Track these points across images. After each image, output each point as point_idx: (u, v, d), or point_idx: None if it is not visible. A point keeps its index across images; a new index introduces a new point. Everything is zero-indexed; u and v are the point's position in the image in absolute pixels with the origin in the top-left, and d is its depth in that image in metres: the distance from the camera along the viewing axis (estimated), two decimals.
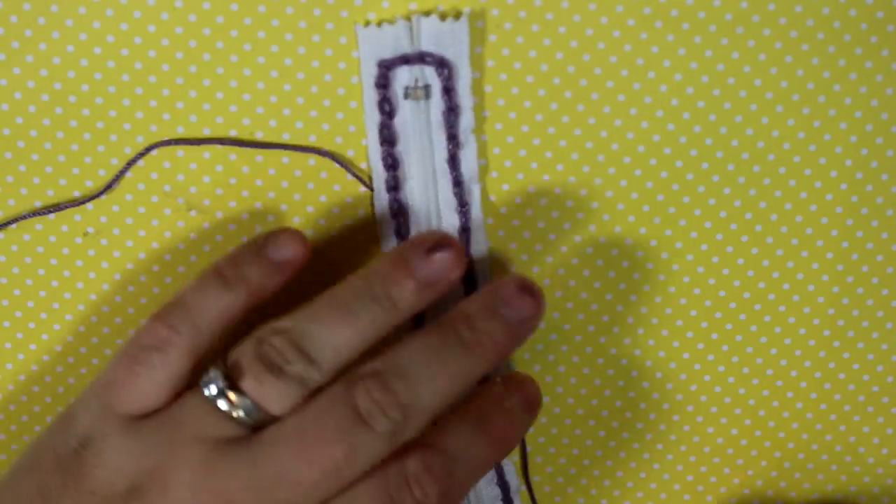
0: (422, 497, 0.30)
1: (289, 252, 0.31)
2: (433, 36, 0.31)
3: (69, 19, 0.31)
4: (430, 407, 0.30)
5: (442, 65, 0.31)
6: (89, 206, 0.33)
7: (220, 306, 0.30)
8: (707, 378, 0.36)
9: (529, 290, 0.31)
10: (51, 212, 0.33)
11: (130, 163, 0.32)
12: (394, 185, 0.33)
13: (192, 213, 0.34)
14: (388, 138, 0.32)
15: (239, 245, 0.32)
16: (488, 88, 0.32)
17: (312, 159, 0.33)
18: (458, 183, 0.32)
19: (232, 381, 0.29)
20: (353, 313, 0.30)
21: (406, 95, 0.31)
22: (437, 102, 0.32)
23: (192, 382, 0.30)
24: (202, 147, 0.33)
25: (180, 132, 0.33)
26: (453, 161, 0.32)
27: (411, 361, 0.30)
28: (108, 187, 0.33)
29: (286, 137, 0.33)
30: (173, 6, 0.31)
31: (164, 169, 0.33)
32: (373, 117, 0.32)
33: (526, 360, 0.36)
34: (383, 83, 0.31)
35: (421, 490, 0.30)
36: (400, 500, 0.29)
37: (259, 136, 0.33)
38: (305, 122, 0.32)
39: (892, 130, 0.33)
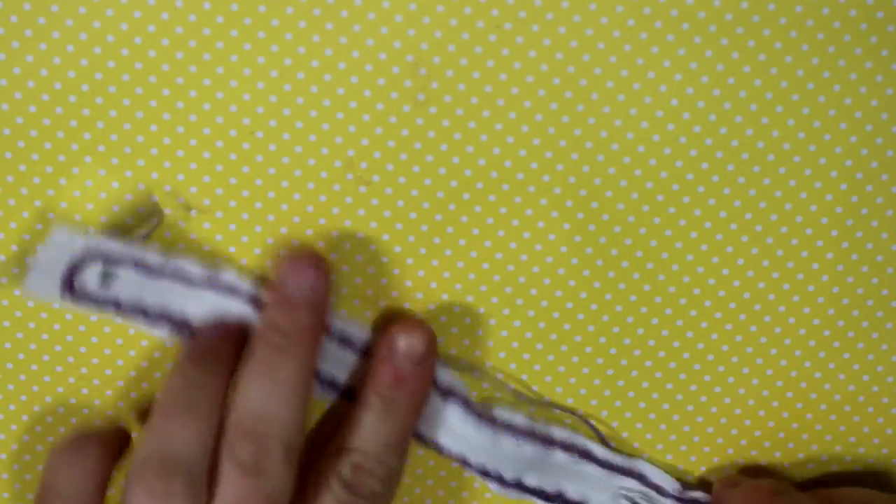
0: (367, 491, 0.32)
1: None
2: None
3: (69, 19, 0.31)
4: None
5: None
6: (89, 205, 0.33)
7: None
8: (707, 378, 0.36)
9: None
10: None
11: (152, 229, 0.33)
12: None
13: (193, 212, 0.34)
14: None
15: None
16: (488, 88, 0.32)
17: (312, 159, 0.33)
18: None
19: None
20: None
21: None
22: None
23: None
24: (202, 147, 0.33)
25: (180, 132, 0.33)
26: None
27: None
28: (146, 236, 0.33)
29: (286, 137, 0.33)
30: (173, 6, 0.31)
31: (165, 168, 0.33)
32: None
33: (525, 360, 0.36)
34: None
35: (364, 486, 0.32)
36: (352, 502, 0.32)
37: (259, 136, 0.33)
38: (305, 123, 0.32)
39: (893, 130, 0.33)
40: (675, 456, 0.37)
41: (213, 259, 0.34)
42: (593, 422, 0.36)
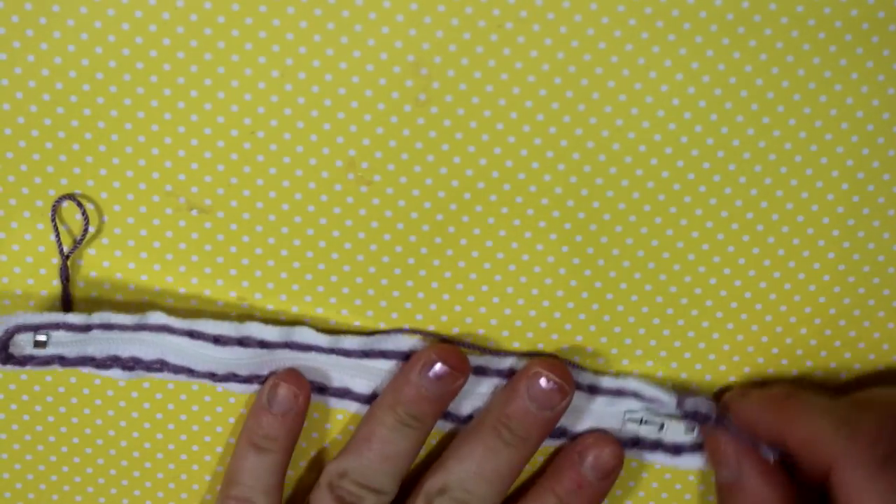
0: None
1: (288, 404, 0.34)
2: None
3: (70, 19, 0.31)
4: None
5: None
6: (90, 205, 0.33)
7: (266, 468, 0.35)
8: (708, 378, 0.36)
9: (558, 384, 0.34)
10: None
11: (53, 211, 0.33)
12: None
13: (194, 212, 0.34)
14: None
15: (252, 408, 0.35)
16: (489, 88, 0.32)
17: (314, 158, 0.33)
18: None
19: None
20: (391, 442, 0.34)
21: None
22: None
23: None
24: (204, 147, 0.33)
25: (181, 132, 0.33)
26: None
27: (468, 473, 0.34)
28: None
29: (287, 137, 0.33)
30: (174, 6, 0.31)
31: (166, 168, 0.33)
32: None
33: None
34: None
35: None
36: None
37: (260, 135, 0.33)
38: (307, 122, 0.32)
39: (894, 130, 0.33)
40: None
41: (213, 259, 0.34)
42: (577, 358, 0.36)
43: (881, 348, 0.36)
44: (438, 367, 0.34)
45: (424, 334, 0.35)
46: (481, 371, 0.35)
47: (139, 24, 0.31)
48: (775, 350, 0.36)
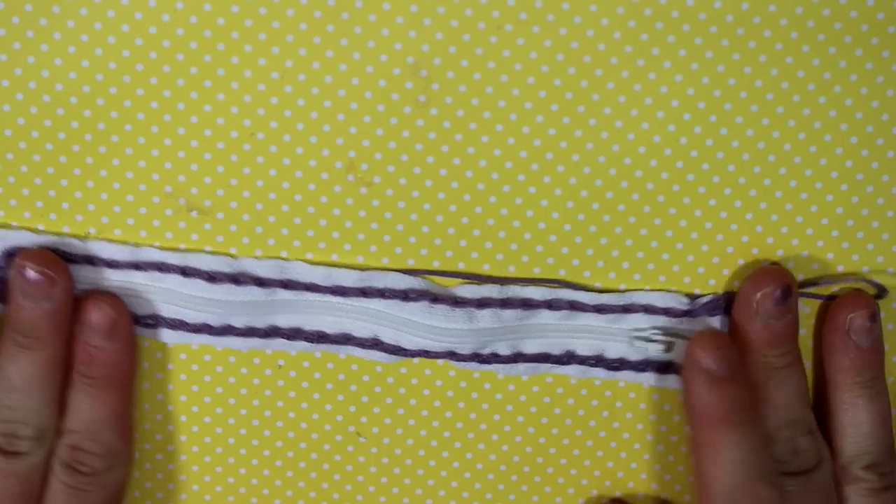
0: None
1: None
2: None
3: (71, 20, 0.31)
4: None
5: None
6: (91, 206, 0.33)
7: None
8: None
9: (43, 273, 0.33)
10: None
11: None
12: None
13: (194, 213, 0.34)
14: None
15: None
16: (489, 90, 0.32)
17: (313, 160, 0.33)
18: None
19: None
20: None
21: None
22: None
23: None
24: (203, 148, 0.33)
25: (181, 133, 0.33)
26: None
27: (3, 389, 0.33)
28: None
29: (287, 139, 0.33)
30: (174, 8, 0.31)
31: (166, 170, 0.33)
32: None
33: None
34: None
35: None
36: None
37: (260, 137, 0.33)
38: (306, 124, 0.32)
39: (893, 131, 0.33)
40: (685, 467, 0.37)
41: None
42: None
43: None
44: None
45: (425, 273, 0.34)
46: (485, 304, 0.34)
47: (139, 26, 0.31)
48: None
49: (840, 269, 0.35)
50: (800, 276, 0.34)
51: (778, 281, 0.33)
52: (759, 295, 0.33)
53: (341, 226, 0.34)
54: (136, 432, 0.36)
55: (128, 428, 0.34)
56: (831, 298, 0.35)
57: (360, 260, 0.34)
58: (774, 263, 0.34)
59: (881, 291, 0.35)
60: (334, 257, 0.34)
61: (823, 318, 0.35)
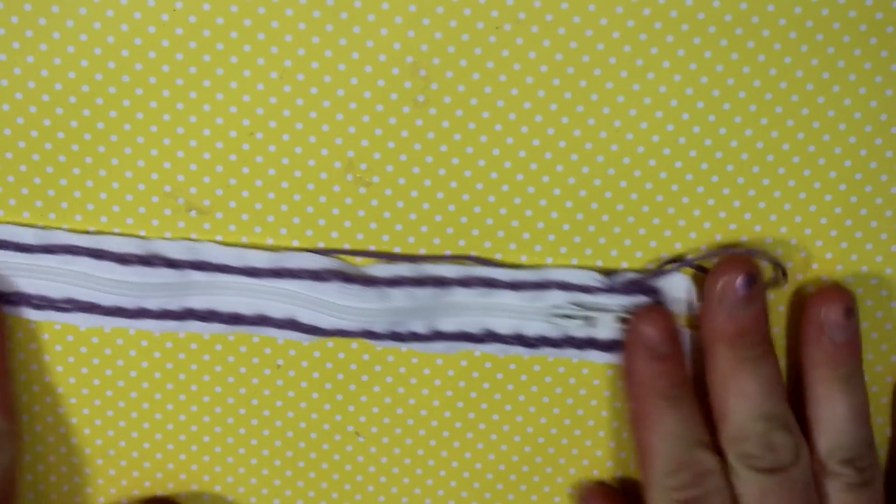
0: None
1: None
2: None
3: (70, 20, 0.31)
4: None
5: None
6: (90, 205, 0.34)
7: None
8: None
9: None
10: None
11: None
12: None
13: (193, 213, 0.34)
14: None
15: None
16: (488, 90, 0.32)
17: (312, 160, 0.33)
18: None
19: None
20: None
21: None
22: None
23: None
24: (202, 148, 0.33)
25: (180, 133, 0.33)
26: None
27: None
28: None
29: (286, 139, 0.33)
30: (173, 8, 0.31)
31: (165, 169, 0.33)
32: None
33: (536, 371, 0.36)
34: None
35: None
36: None
37: (259, 137, 0.33)
38: (305, 124, 0.32)
39: (892, 131, 0.33)
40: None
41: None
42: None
43: (880, 350, 0.36)
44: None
45: (338, 252, 0.34)
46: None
47: (138, 26, 0.31)
48: None
49: (839, 268, 0.35)
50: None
51: (741, 269, 0.33)
52: (721, 283, 0.33)
53: (340, 225, 0.34)
54: (21, 413, 0.35)
55: (8, 406, 0.34)
56: (703, 270, 0.34)
57: (358, 261, 0.34)
58: (743, 251, 0.34)
59: (780, 271, 0.34)
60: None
61: (799, 312, 0.35)
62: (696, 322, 0.35)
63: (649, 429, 0.33)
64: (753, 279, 0.33)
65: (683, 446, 0.33)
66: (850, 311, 0.33)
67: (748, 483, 0.32)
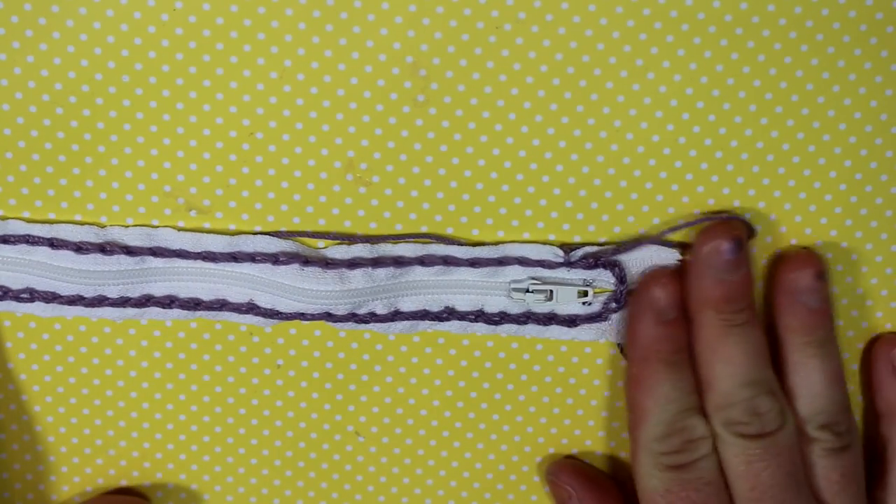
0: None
1: None
2: None
3: (70, 20, 0.31)
4: None
5: None
6: (90, 205, 0.34)
7: None
8: None
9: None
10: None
11: None
12: None
13: (193, 213, 0.34)
14: None
15: None
16: (488, 89, 0.32)
17: (312, 159, 0.33)
18: None
19: None
20: None
21: None
22: None
23: None
24: (202, 148, 0.33)
25: (180, 133, 0.33)
26: None
27: None
28: None
29: (286, 139, 0.33)
30: (173, 7, 0.31)
31: (165, 169, 0.33)
32: None
33: (536, 371, 0.36)
34: None
35: None
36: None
37: (259, 136, 0.33)
38: (305, 123, 0.32)
39: (892, 131, 0.33)
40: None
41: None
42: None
43: (850, 315, 0.36)
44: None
45: (296, 235, 0.34)
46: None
47: (138, 26, 0.31)
48: None
49: (839, 268, 0.35)
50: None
51: (727, 234, 0.33)
52: (707, 248, 0.33)
53: (340, 225, 0.34)
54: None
55: None
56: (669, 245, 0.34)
57: (321, 245, 0.34)
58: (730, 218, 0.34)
59: (750, 230, 0.34)
60: None
61: (771, 278, 0.34)
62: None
63: (646, 392, 0.33)
64: (740, 244, 0.32)
65: (677, 412, 0.33)
66: (822, 275, 0.33)
67: (734, 449, 0.32)
